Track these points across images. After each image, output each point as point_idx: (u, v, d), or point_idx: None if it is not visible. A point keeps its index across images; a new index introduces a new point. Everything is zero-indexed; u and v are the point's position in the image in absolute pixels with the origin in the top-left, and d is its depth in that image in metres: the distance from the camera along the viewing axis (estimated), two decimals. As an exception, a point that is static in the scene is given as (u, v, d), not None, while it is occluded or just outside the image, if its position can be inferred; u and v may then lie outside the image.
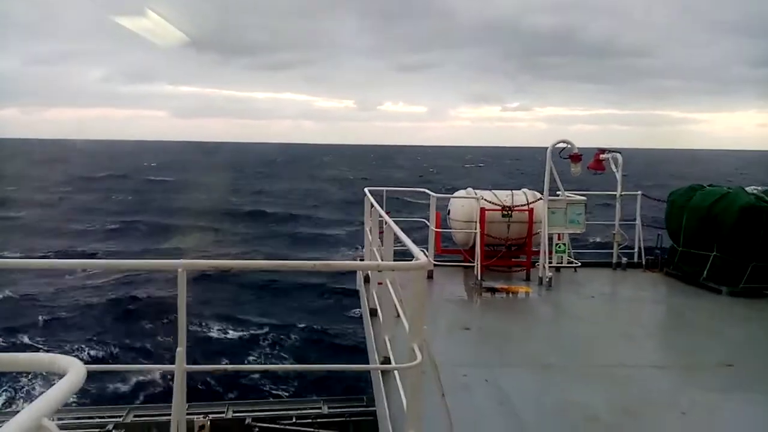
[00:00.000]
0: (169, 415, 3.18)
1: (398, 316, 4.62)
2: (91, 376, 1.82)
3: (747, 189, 9.39)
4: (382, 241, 6.53)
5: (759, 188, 9.50)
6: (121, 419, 8.96)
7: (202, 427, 8.33)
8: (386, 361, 5.30)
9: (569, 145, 9.54)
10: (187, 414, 3.11)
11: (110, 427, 8.76)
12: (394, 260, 5.58)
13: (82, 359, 1.82)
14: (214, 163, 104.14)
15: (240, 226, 37.61)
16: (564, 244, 10.13)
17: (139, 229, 36.64)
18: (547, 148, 9.50)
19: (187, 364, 3.15)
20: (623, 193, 10.73)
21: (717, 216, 9.15)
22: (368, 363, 6.43)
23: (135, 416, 9.09)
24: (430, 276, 9.53)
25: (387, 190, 10.47)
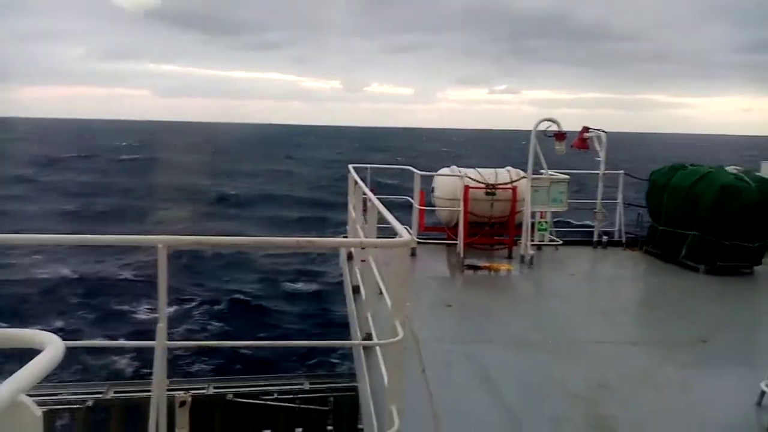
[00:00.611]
0: (150, 391, 3.15)
1: (381, 293, 4.62)
2: (70, 352, 1.78)
3: (727, 168, 9.51)
4: (365, 219, 6.50)
5: (739, 168, 9.63)
6: (101, 395, 8.92)
7: (183, 402, 8.30)
8: (368, 337, 5.32)
9: (554, 124, 9.54)
10: (168, 390, 3.08)
11: (90, 403, 8.71)
12: (378, 237, 5.57)
13: (60, 335, 1.78)
14: (187, 143, 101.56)
15: (192, 208, 36.46)
16: (546, 222, 10.20)
17: (97, 210, 35.82)
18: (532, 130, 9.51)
19: (168, 340, 3.12)
20: (606, 171, 10.81)
21: (697, 195, 9.26)
22: (350, 339, 6.45)
23: (115, 392, 9.05)
24: (413, 253, 9.54)
25: (371, 168, 10.42)
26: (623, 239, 11.02)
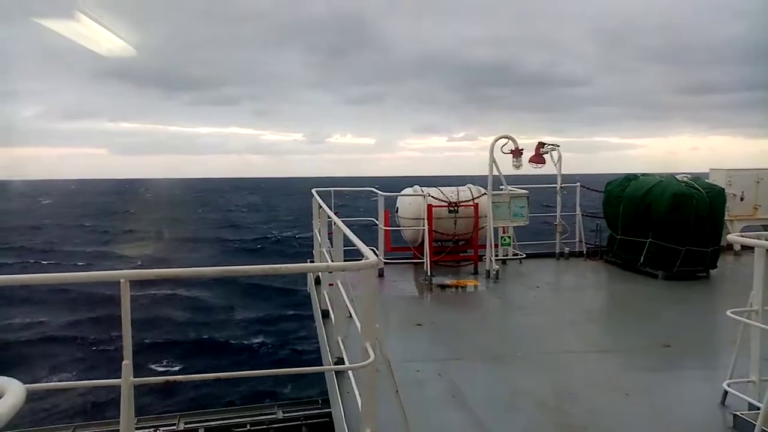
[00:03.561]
0: (117, 430, 3.08)
1: (350, 316, 4.62)
2: (32, 395, 1.74)
3: (677, 176, 9.87)
4: (331, 242, 6.51)
5: (688, 176, 10.00)
6: (66, 439, 8.62)
7: (153, 440, 8.10)
8: (340, 361, 5.30)
9: (510, 141, 9.76)
10: (136, 428, 3.01)
11: None
12: (345, 260, 5.59)
13: (20, 379, 1.73)
14: (109, 200, 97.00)
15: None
16: (509, 237, 10.38)
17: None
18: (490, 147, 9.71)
19: (134, 376, 3.06)
20: (563, 185, 11.09)
21: (651, 204, 9.58)
22: (322, 364, 6.40)
23: (81, 435, 8.75)
24: (381, 274, 9.59)
25: (335, 191, 10.46)
26: (584, 250, 11.29)
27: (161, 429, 8.49)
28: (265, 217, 62.60)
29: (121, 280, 2.99)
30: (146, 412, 10.72)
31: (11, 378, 1.70)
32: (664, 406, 4.89)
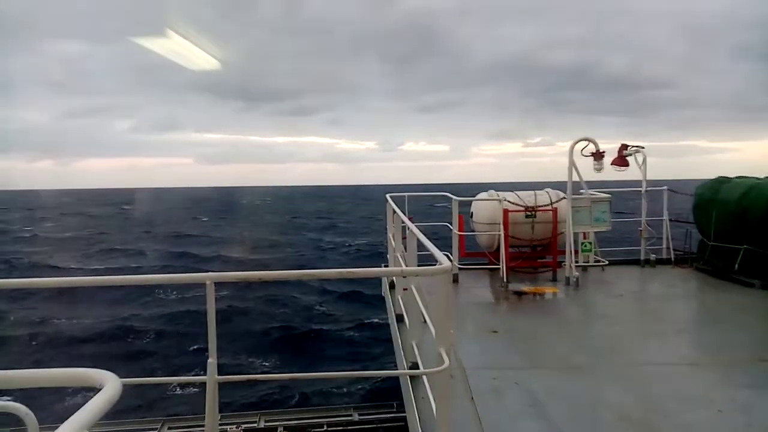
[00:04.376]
0: (203, 426, 3.24)
1: (424, 321, 4.63)
2: (126, 389, 1.86)
3: (776, 179, 9.20)
4: (405, 247, 6.55)
5: None
6: (156, 431, 9.12)
7: (235, 437, 8.43)
8: (414, 366, 5.31)
9: (591, 144, 9.45)
10: (220, 424, 3.17)
11: None
12: (418, 265, 5.59)
13: (117, 373, 1.86)
14: (184, 207, 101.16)
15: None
16: (590, 243, 10.02)
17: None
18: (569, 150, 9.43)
19: (219, 374, 3.21)
20: (648, 188, 10.60)
21: (746, 208, 8.98)
22: (396, 369, 6.44)
23: (169, 428, 9.23)
24: (455, 280, 9.52)
25: (409, 196, 10.50)
26: (672, 257, 10.72)
27: (243, 426, 8.81)
28: (325, 224, 63.66)
29: (207, 282, 3.16)
30: (229, 408, 11.18)
31: (109, 372, 1.84)
32: (763, 426, 4.55)
